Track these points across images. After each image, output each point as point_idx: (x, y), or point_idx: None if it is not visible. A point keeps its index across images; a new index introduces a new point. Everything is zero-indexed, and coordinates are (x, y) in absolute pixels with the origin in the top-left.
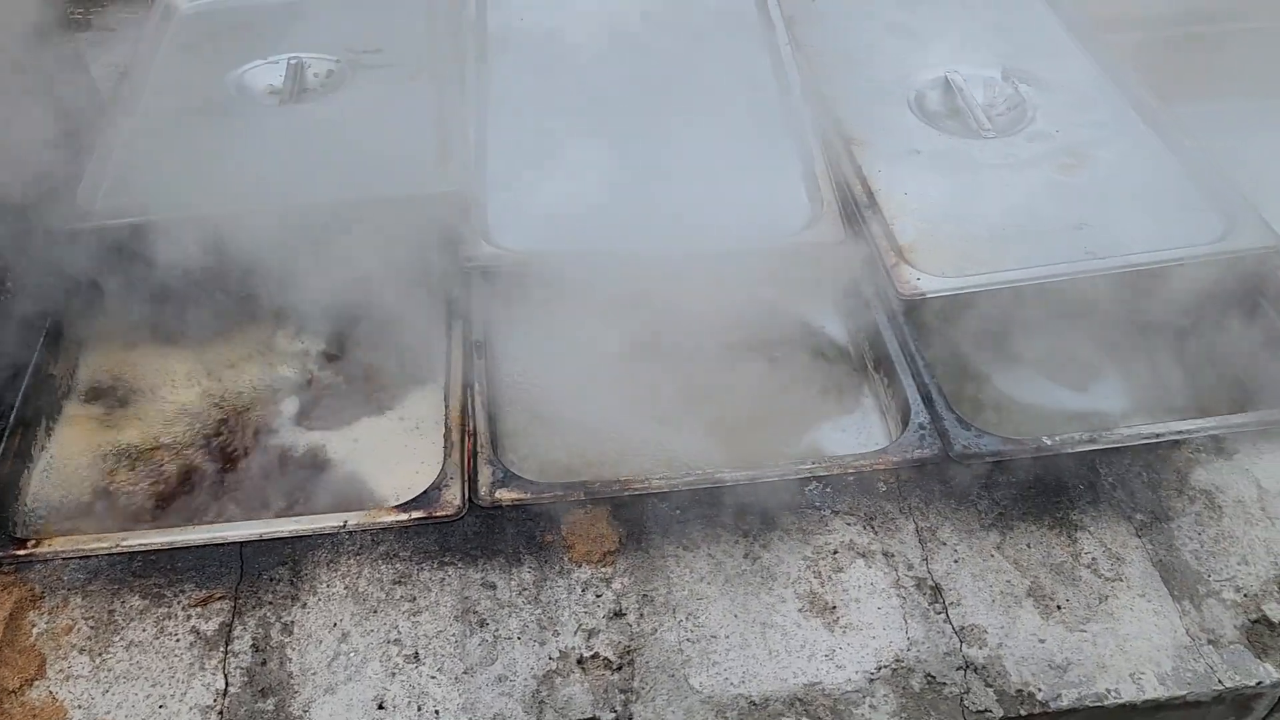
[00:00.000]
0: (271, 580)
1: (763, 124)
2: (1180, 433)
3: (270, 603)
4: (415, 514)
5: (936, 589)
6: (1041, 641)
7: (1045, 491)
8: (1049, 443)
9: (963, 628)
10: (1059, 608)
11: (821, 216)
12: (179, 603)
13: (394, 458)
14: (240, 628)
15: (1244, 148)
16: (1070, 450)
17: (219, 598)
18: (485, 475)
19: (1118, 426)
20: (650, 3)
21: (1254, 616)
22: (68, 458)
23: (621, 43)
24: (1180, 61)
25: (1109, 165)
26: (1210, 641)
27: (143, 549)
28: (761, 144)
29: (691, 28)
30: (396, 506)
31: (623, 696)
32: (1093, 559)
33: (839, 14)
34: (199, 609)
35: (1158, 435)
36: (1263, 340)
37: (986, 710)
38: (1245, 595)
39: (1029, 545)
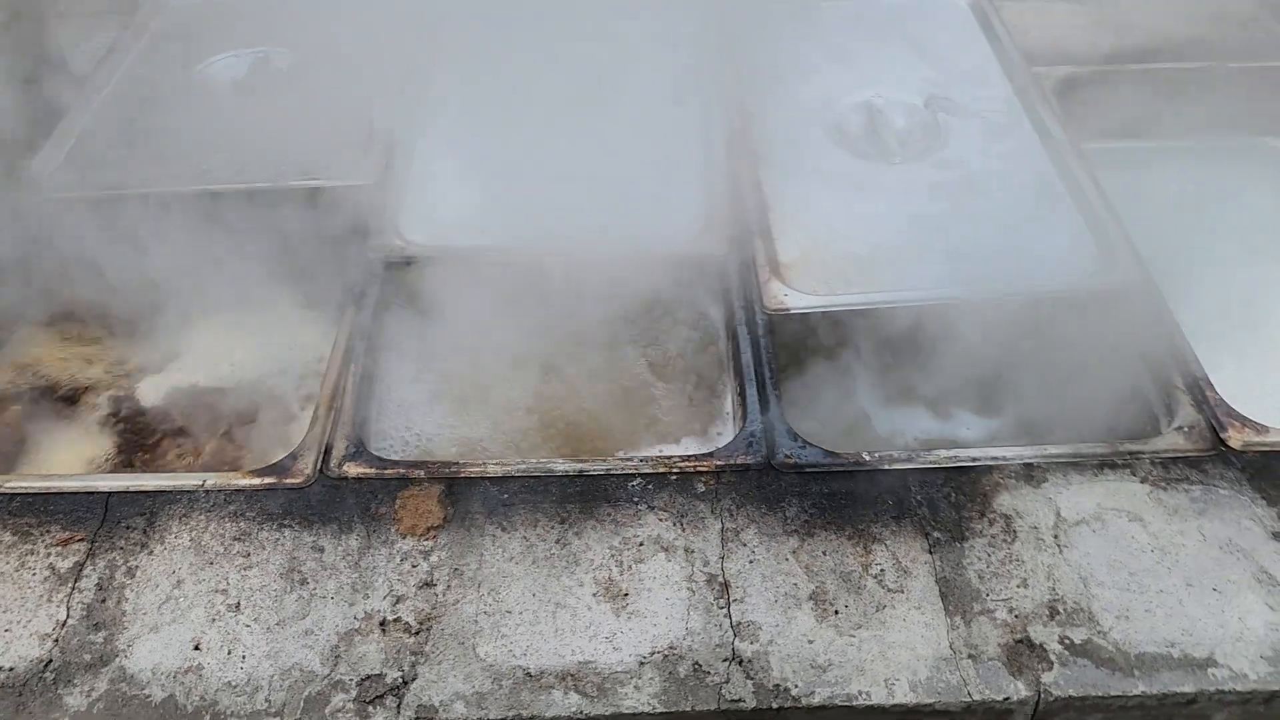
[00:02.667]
0: (128, 528)
1: (678, 136)
2: (996, 458)
3: (122, 548)
4: (268, 479)
5: (725, 585)
6: (810, 642)
7: (854, 504)
8: (868, 458)
9: (740, 623)
10: (836, 612)
11: (709, 228)
12: (43, 541)
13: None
14: (90, 568)
15: (1149, 186)
16: (887, 467)
17: (79, 540)
18: (339, 449)
19: (938, 448)
20: (596, 16)
21: (1018, 637)
22: None
23: (563, 51)
24: (1107, 98)
25: (1004, 196)
26: (970, 656)
27: (23, 490)
28: (672, 155)
29: (631, 39)
30: (252, 471)
31: (413, 658)
32: (881, 570)
33: (784, 34)
34: (59, 548)
35: (974, 459)
36: (1110, 375)
37: (740, 700)
38: (1016, 616)
39: (824, 552)
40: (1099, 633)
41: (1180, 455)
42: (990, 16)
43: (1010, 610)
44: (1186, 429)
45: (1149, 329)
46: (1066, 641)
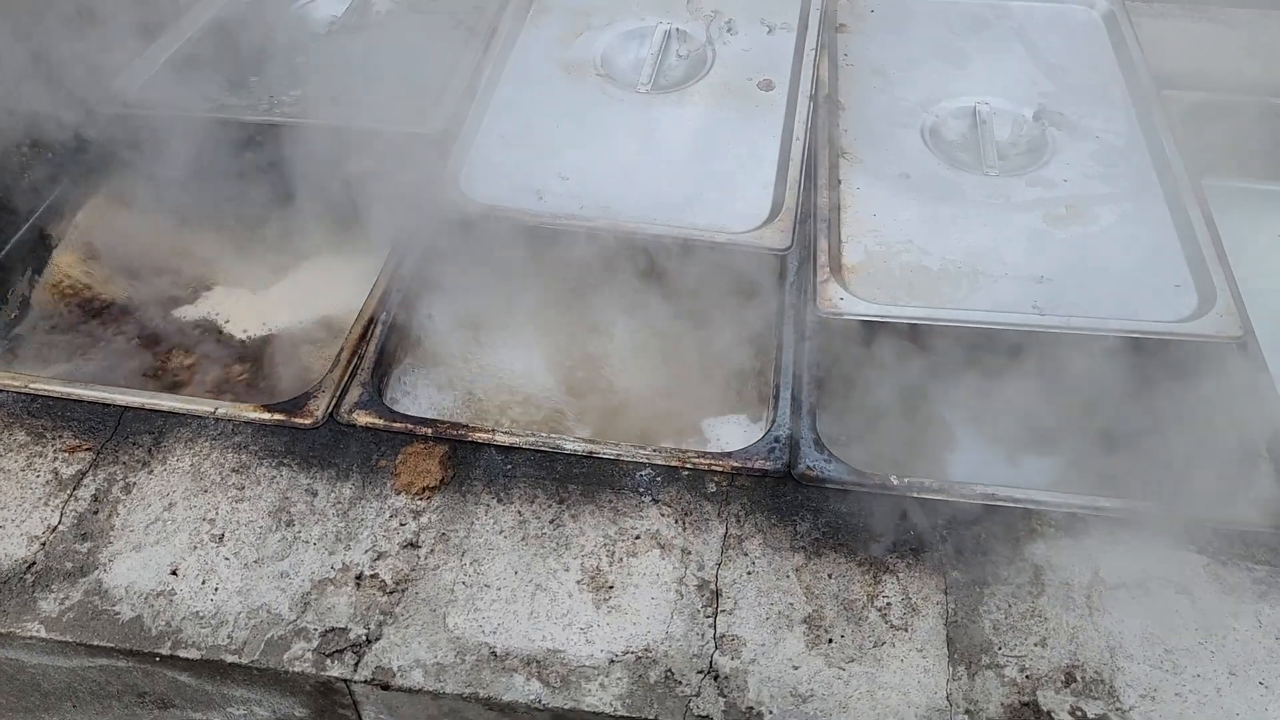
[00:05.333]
0: (134, 445)
1: (761, 122)
2: (1038, 503)
3: (124, 463)
4: (277, 415)
5: (716, 594)
6: (795, 668)
7: (872, 529)
8: (896, 482)
9: (724, 636)
10: (830, 641)
11: (776, 221)
12: (53, 445)
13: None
14: (91, 478)
15: (1273, 233)
16: (915, 495)
17: (86, 449)
18: (352, 396)
19: (976, 483)
20: None
21: (1026, 699)
22: None
23: (656, 24)
24: (1241, 131)
25: (1102, 224)
26: (968, 711)
27: (44, 394)
28: (751, 140)
29: (731, 17)
30: (264, 405)
31: (381, 617)
32: (887, 604)
33: (895, 29)
34: (67, 454)
35: (1013, 500)
36: (1187, 431)
37: (708, 717)
38: (1028, 677)
39: (830, 575)
40: (1117, 710)
41: (1251, 530)
42: (1125, 32)
43: (1022, 669)
44: (1263, 502)
45: (1240, 388)
46: (1078, 713)
